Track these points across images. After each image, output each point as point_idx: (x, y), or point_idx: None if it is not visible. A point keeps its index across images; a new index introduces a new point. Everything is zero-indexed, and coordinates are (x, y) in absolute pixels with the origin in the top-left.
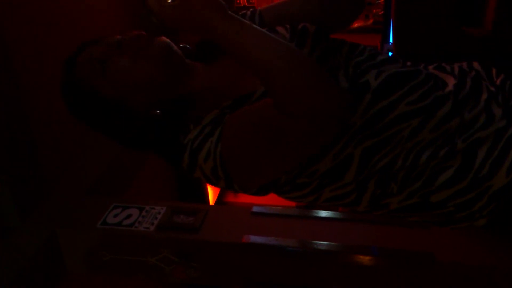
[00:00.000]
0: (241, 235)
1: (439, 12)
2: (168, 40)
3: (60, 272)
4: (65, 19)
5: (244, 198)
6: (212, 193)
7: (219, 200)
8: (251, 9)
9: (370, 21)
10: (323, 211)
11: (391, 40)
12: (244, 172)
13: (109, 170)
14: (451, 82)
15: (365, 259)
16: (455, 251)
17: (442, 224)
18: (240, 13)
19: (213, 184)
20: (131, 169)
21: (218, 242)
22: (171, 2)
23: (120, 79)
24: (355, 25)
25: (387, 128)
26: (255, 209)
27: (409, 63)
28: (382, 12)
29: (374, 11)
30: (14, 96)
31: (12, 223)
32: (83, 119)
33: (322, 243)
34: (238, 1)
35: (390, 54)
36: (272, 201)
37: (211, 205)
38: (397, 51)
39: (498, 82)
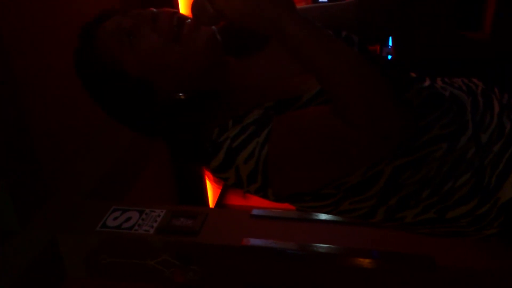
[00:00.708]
0: (240, 238)
1: (438, 16)
2: (214, 30)
3: (60, 276)
4: (65, 19)
5: (244, 201)
6: (211, 196)
7: (218, 203)
8: None
9: None
10: (322, 214)
11: (390, 44)
12: (288, 180)
13: (108, 173)
14: (467, 103)
15: (365, 262)
16: (455, 255)
17: (450, 236)
18: None
19: (240, 187)
20: (131, 172)
21: (217, 245)
22: None
23: (149, 58)
24: None
25: (420, 149)
26: (254, 212)
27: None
28: None
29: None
30: (13, 99)
31: (12, 227)
32: (97, 96)
33: (322, 246)
34: None
35: (389, 57)
36: (271, 204)
37: (211, 208)
38: (397, 54)
39: (504, 96)
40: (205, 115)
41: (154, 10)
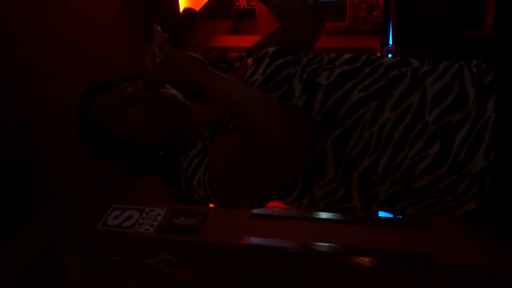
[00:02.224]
0: (240, 236)
1: (438, 15)
2: (174, 93)
3: (60, 275)
4: (65, 19)
5: None
6: None
7: None
8: (246, 53)
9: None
10: (323, 213)
11: (390, 42)
12: (230, 196)
13: (109, 172)
14: (415, 65)
15: (365, 260)
16: (455, 252)
17: (438, 213)
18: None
19: (211, 203)
20: None
21: (217, 243)
22: (159, 62)
23: (132, 127)
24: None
25: (346, 116)
26: (254, 211)
27: (372, 57)
28: (382, 14)
29: (373, 13)
30: (14, 99)
31: (13, 226)
32: (97, 155)
33: (322, 245)
34: (238, 3)
35: (390, 55)
36: (271, 203)
37: (211, 207)
38: (397, 53)
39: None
40: (177, 155)
41: (130, 88)
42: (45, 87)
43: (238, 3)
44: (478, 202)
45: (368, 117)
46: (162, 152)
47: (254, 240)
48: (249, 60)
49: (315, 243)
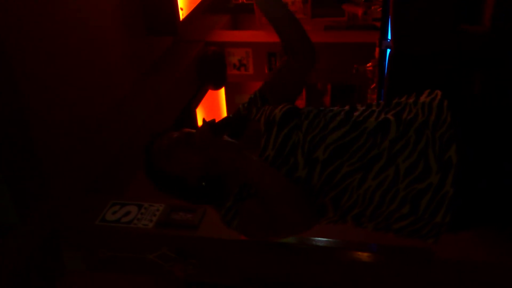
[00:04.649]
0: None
1: (437, 9)
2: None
3: (59, 269)
4: (65, 19)
5: None
6: None
7: None
8: (256, 94)
9: (369, 18)
10: None
11: (389, 37)
12: (258, 239)
13: (108, 168)
14: (391, 135)
15: (363, 255)
16: (453, 247)
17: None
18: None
19: None
20: (130, 166)
21: (216, 239)
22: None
23: (178, 165)
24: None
25: (339, 183)
26: None
27: (360, 117)
28: (381, 9)
29: (372, 8)
30: (14, 96)
31: (12, 221)
32: (159, 188)
33: (321, 240)
34: None
35: (388, 51)
36: None
37: None
38: (396, 48)
39: (443, 129)
40: (219, 190)
41: (176, 134)
42: (44, 84)
43: None
44: (435, 239)
45: (356, 184)
46: (204, 184)
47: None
48: (263, 121)
49: (313, 238)
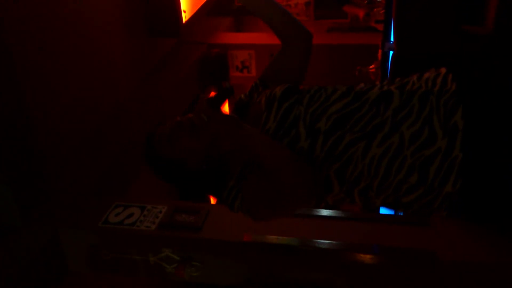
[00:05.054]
0: (242, 234)
1: (440, 11)
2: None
3: (62, 271)
4: (67, 19)
5: None
6: None
7: None
8: (257, 82)
9: (372, 20)
10: (324, 210)
11: (392, 39)
12: (261, 217)
13: (110, 169)
14: (394, 104)
15: (366, 257)
16: (456, 248)
17: (418, 213)
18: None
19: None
20: (132, 168)
21: (219, 240)
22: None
23: (180, 149)
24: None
25: (343, 153)
26: None
27: (363, 88)
28: (383, 11)
29: (375, 10)
30: (16, 96)
31: (15, 222)
32: (160, 175)
33: (324, 242)
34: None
35: (391, 53)
36: None
37: (213, 204)
38: (398, 49)
39: (446, 97)
40: (220, 174)
41: (179, 118)
42: (47, 85)
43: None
44: (448, 211)
45: (360, 153)
46: (205, 168)
47: (256, 237)
48: (263, 100)
49: (316, 240)
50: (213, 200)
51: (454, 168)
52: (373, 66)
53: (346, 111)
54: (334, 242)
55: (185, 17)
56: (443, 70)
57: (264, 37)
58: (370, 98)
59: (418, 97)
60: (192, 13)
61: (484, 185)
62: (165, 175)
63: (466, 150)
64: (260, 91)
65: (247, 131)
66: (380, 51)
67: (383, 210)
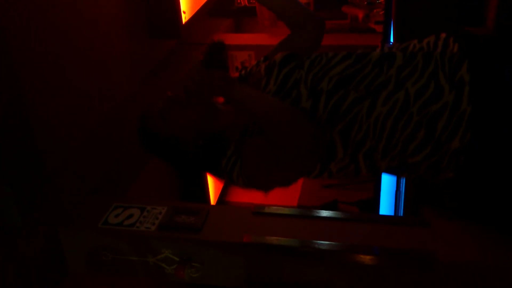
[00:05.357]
0: (242, 235)
1: (440, 12)
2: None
3: (61, 272)
4: (68, 19)
5: (246, 198)
6: (212, 193)
7: (220, 199)
8: (263, 58)
9: (371, 21)
10: (324, 211)
11: (392, 40)
12: (264, 183)
13: (110, 170)
14: (397, 62)
15: (366, 258)
16: (456, 249)
17: (425, 177)
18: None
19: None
20: (132, 169)
21: (219, 242)
22: (198, 80)
23: (174, 124)
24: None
25: (347, 113)
26: (256, 209)
27: (364, 52)
28: (383, 11)
29: (374, 11)
30: (16, 97)
31: (14, 223)
32: (153, 152)
33: (323, 243)
34: (239, 1)
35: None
36: (273, 201)
37: (212, 205)
38: None
39: (448, 54)
40: (217, 149)
41: (169, 93)
42: (47, 86)
43: (239, 1)
44: (455, 173)
45: (364, 112)
46: (201, 143)
47: (256, 238)
48: (263, 67)
49: (316, 241)
50: (213, 200)
51: (463, 122)
52: None
53: (348, 72)
54: (334, 243)
55: (185, 18)
56: (443, 35)
57: (264, 38)
58: (373, 59)
59: (422, 55)
60: (192, 14)
61: (492, 140)
62: (162, 154)
63: (474, 104)
64: (259, 65)
65: (245, 87)
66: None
67: (382, 209)
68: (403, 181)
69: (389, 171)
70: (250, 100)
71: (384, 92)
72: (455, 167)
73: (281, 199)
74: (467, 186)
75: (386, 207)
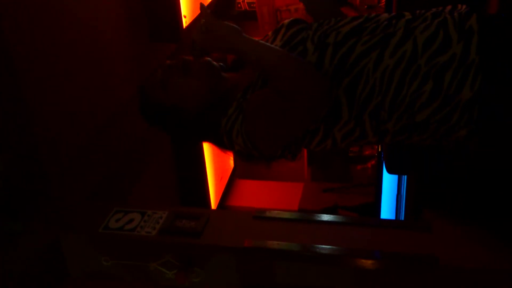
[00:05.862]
0: (243, 239)
1: None
2: (209, 59)
3: (62, 277)
4: (68, 20)
5: (246, 202)
6: (213, 197)
7: (221, 204)
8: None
9: None
10: (325, 215)
11: None
12: (263, 140)
13: (111, 174)
14: (406, 17)
15: (367, 263)
16: (458, 254)
17: (437, 140)
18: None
19: (251, 156)
20: (133, 173)
21: (220, 246)
22: (205, 30)
23: (176, 93)
24: None
25: (353, 66)
26: (257, 213)
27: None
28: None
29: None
30: (16, 99)
31: (15, 227)
32: (154, 124)
33: (325, 247)
34: (239, 5)
35: None
36: (273, 205)
37: (213, 210)
38: None
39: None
40: (218, 114)
41: (169, 61)
42: (47, 88)
43: (239, 5)
44: (469, 129)
45: (371, 65)
46: (204, 110)
47: (257, 243)
48: (270, 33)
49: (317, 245)
50: (213, 205)
51: (470, 72)
52: None
53: (357, 27)
54: (335, 247)
55: (185, 22)
56: (449, 6)
57: None
58: (382, 19)
59: (431, 13)
60: (193, 18)
61: (505, 87)
62: (162, 125)
63: (482, 54)
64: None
65: (252, 38)
66: None
67: (384, 213)
68: (404, 184)
69: (396, 136)
70: (257, 49)
71: (393, 41)
72: (467, 122)
73: (282, 204)
74: (484, 140)
75: (387, 211)
